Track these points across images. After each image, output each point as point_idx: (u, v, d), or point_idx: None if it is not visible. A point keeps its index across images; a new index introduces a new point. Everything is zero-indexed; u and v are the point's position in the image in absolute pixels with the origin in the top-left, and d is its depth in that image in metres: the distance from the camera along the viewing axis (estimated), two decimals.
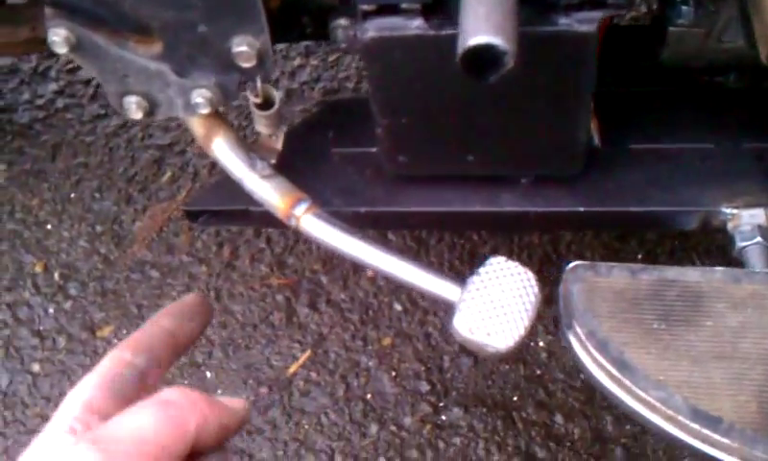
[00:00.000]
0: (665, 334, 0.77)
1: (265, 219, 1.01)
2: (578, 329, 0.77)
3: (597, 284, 0.80)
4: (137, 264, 1.27)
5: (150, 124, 1.39)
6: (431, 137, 0.90)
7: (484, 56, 0.61)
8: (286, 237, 1.29)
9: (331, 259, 1.28)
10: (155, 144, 1.37)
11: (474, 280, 0.75)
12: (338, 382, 1.20)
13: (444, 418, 1.18)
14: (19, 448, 1.02)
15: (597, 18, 0.76)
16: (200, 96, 0.84)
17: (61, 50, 0.81)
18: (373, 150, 1.02)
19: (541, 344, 1.24)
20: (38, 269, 1.27)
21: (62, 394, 1.16)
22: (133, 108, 0.87)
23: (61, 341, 1.22)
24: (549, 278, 1.28)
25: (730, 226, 0.92)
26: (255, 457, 1.15)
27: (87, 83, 1.43)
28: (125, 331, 1.22)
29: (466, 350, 1.22)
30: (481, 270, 0.76)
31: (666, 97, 1.02)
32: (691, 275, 0.80)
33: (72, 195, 1.33)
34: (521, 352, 1.23)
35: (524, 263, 0.76)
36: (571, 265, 0.81)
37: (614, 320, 0.78)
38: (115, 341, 1.22)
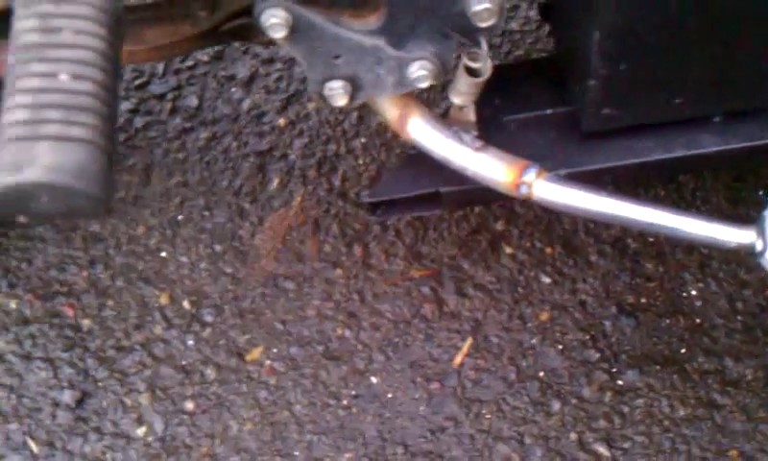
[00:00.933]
0: None
1: (457, 199, 0.96)
2: None
3: None
4: (269, 278, 1.19)
5: (241, 131, 1.30)
6: (646, 83, 0.86)
7: None
8: (414, 227, 1.23)
9: (466, 242, 1.23)
10: (253, 151, 1.29)
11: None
12: (507, 365, 1.15)
13: (621, 382, 1.15)
14: None
15: None
16: (421, 68, 0.78)
17: (280, 34, 0.74)
18: (549, 111, 0.98)
19: (694, 292, 1.22)
20: (164, 301, 1.17)
21: (226, 428, 1.09)
22: (337, 93, 0.81)
23: (210, 372, 1.12)
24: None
25: None
26: (445, 457, 1.08)
27: (161, 97, 1.33)
28: (275, 350, 1.14)
29: (624, 311, 1.19)
30: None
31: None
32: None
33: (179, 217, 1.23)
34: (677, 305, 1.20)
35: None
36: None
37: None
38: (268, 362, 1.13)
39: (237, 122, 1.30)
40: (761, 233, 0.72)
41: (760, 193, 1.27)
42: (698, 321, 1.20)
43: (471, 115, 0.89)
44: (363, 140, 1.28)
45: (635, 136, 0.93)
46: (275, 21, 0.73)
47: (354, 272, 1.20)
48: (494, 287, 1.20)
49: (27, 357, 1.14)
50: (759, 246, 0.72)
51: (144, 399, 1.12)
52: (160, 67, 1.34)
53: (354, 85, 0.81)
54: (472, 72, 0.82)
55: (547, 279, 1.21)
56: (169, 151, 1.28)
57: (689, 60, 0.84)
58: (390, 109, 0.87)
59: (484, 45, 0.78)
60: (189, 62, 1.33)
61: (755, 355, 1.18)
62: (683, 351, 1.18)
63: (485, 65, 0.81)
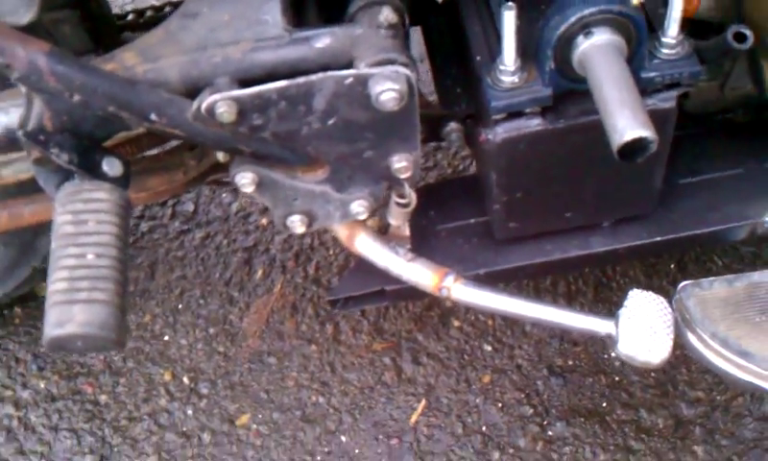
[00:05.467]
0: (767, 323, 0.98)
1: (399, 295, 1.20)
2: (701, 334, 0.97)
3: (705, 297, 1.00)
4: (255, 355, 1.42)
5: (231, 230, 1.54)
6: (539, 204, 1.09)
7: (635, 144, 0.81)
8: (377, 307, 1.46)
9: (420, 318, 1.46)
10: (241, 247, 1.53)
11: (623, 312, 0.95)
12: (455, 422, 1.37)
13: (551, 433, 1.37)
14: None
15: (674, 96, 0.98)
16: (360, 205, 1.02)
17: (249, 189, 0.98)
18: (472, 221, 1.22)
19: (613, 354, 1.44)
20: (168, 377, 1.41)
21: None
22: (297, 224, 1.05)
23: (206, 437, 1.35)
24: (605, 298, 1.49)
25: None
26: None
27: (163, 204, 1.58)
28: (260, 416, 1.37)
29: (554, 372, 1.42)
30: (627, 303, 0.96)
31: (694, 138, 1.24)
32: None
33: (179, 306, 1.47)
34: (599, 365, 1.43)
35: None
36: (681, 285, 1.01)
37: (727, 321, 0.98)
38: (254, 426, 1.36)
39: (227, 223, 1.55)
40: (617, 327, 0.96)
41: (672, 266, 1.50)
42: (617, 378, 1.42)
43: (406, 231, 1.13)
44: (332, 235, 1.52)
45: (538, 241, 1.16)
46: (245, 181, 0.96)
47: (326, 347, 1.43)
48: (444, 356, 1.43)
49: (54, 428, 1.37)
50: (615, 337, 0.95)
51: (152, 460, 1.35)
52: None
53: (310, 218, 1.04)
54: (401, 205, 1.06)
55: (489, 348, 1.44)
56: (170, 250, 1.53)
57: (569, 189, 1.07)
58: (341, 231, 1.11)
59: (407, 187, 1.02)
60: None
61: (665, 406, 1.40)
62: (604, 404, 1.40)
63: (410, 199, 1.05)
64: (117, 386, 1.40)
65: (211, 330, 1.45)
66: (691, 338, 0.99)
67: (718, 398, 1.40)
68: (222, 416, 1.37)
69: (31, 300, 1.46)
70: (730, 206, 1.15)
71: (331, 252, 1.52)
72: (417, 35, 1.19)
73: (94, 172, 0.81)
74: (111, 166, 0.82)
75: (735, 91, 1.15)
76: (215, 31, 0.89)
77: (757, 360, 0.96)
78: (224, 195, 1.57)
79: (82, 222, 0.77)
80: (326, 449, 1.35)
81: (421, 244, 1.17)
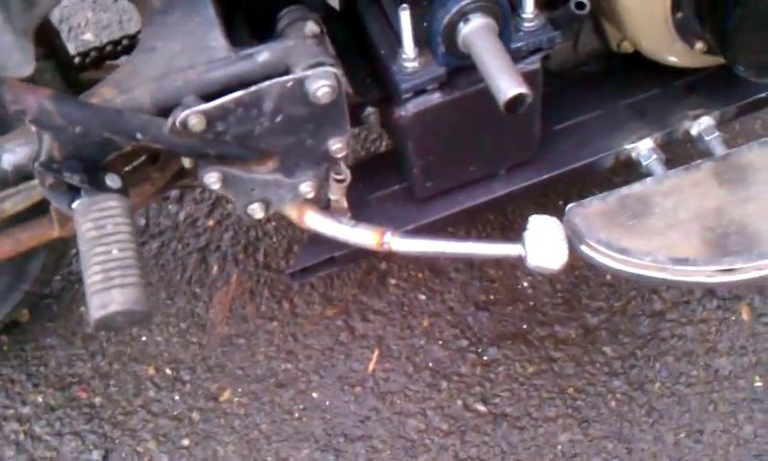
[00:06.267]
0: (637, 225, 1.25)
1: (347, 259, 1.42)
2: (590, 242, 1.24)
3: (587, 213, 1.27)
4: (225, 339, 1.62)
5: (183, 236, 1.73)
6: (449, 163, 1.34)
7: (516, 99, 1.06)
8: (323, 280, 1.69)
9: (362, 282, 1.69)
10: (194, 249, 1.72)
11: (527, 234, 1.21)
12: (406, 363, 1.61)
13: (486, 358, 1.62)
14: None
15: (538, 59, 1.24)
16: (307, 186, 1.24)
17: (215, 187, 1.18)
18: (396, 187, 1.45)
19: (525, 284, 1.71)
20: (152, 371, 1.59)
21: (215, 453, 1.50)
22: (256, 211, 1.26)
23: (195, 415, 1.55)
24: (511, 238, 1.76)
25: (633, 155, 1.43)
26: (374, 437, 1.54)
27: None
28: (240, 390, 1.57)
29: (480, 307, 1.68)
30: (528, 226, 1.22)
31: (560, 91, 1.51)
32: (636, 187, 1.29)
33: None
34: (515, 295, 1.70)
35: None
36: (568, 207, 1.28)
37: (606, 229, 1.25)
38: (236, 399, 1.56)
39: (178, 230, 1.74)
40: (524, 247, 1.21)
41: (560, 203, 1.78)
42: (531, 303, 1.69)
43: (344, 204, 1.36)
44: (274, 224, 1.74)
45: (453, 194, 1.41)
46: (212, 179, 1.16)
47: (286, 321, 1.65)
48: (387, 310, 1.67)
49: (59, 434, 1.53)
50: (524, 255, 1.21)
51: (151, 445, 1.53)
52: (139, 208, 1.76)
53: (266, 204, 1.25)
54: (339, 181, 1.28)
55: (423, 297, 1.69)
56: None
57: (470, 146, 1.32)
58: (291, 212, 1.33)
59: (342, 166, 1.25)
60: None
61: (574, 319, 1.67)
62: (524, 326, 1.66)
63: (346, 175, 1.28)
64: (108, 387, 1.58)
65: (183, 325, 1.64)
66: (583, 248, 1.26)
67: (616, 304, 1.69)
68: (206, 396, 1.57)
69: (14, 327, 1.62)
70: (596, 141, 1.43)
71: (275, 239, 1.73)
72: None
73: (101, 187, 1.00)
74: (113, 180, 1.02)
75: (586, 47, 1.43)
76: (173, 60, 1.10)
77: (634, 254, 1.23)
78: (170, 206, 1.76)
79: (102, 226, 0.97)
80: (302, 406, 1.57)
81: (357, 214, 1.39)
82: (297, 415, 1.56)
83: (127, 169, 1.27)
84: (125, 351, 1.61)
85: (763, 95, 1.46)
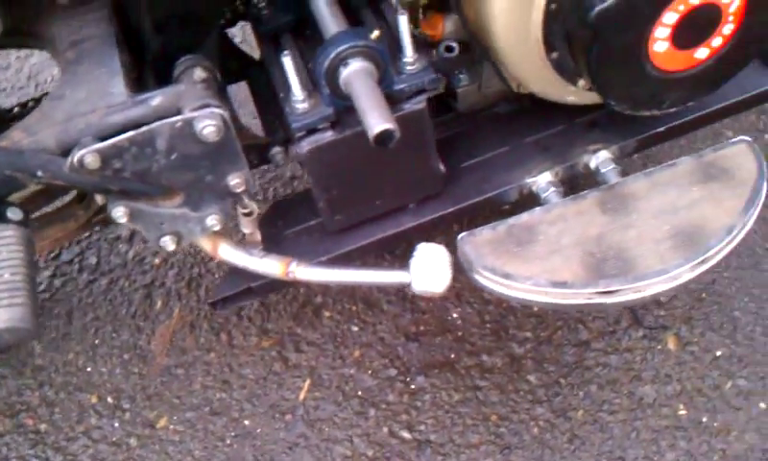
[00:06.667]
0: (522, 252, 1.33)
1: (263, 290, 1.51)
2: (478, 269, 1.32)
3: (477, 241, 1.35)
4: (164, 369, 1.72)
5: (130, 273, 1.84)
6: (353, 197, 1.43)
7: (384, 134, 1.16)
8: (260, 312, 1.78)
9: (298, 314, 1.78)
10: (141, 285, 1.83)
11: (413, 263, 1.29)
12: (336, 392, 1.69)
13: (413, 386, 1.69)
14: None
15: (423, 99, 1.33)
16: (213, 219, 1.34)
17: (123, 219, 1.29)
18: (312, 222, 1.55)
19: (455, 315, 1.78)
20: (94, 400, 1.69)
21: None
22: (168, 243, 1.36)
23: (133, 441, 1.64)
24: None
25: (534, 188, 1.51)
26: None
27: (71, 262, 1.87)
28: (175, 417, 1.66)
29: (409, 338, 1.75)
30: (415, 254, 1.30)
31: (469, 131, 1.60)
32: (523, 217, 1.37)
33: (96, 341, 1.76)
34: (444, 326, 1.76)
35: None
36: (460, 236, 1.36)
37: (493, 256, 1.33)
38: (171, 426, 1.65)
39: (126, 267, 1.85)
40: (410, 273, 1.30)
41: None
42: (460, 334, 1.76)
43: (258, 237, 1.46)
44: (216, 262, 1.84)
45: (363, 227, 1.50)
46: (119, 213, 1.27)
47: (223, 352, 1.74)
48: (321, 341, 1.75)
49: (5, 458, 1.63)
50: (410, 281, 1.29)
51: None
52: (67, 242, 1.89)
53: (178, 236, 1.35)
54: (246, 214, 1.38)
55: (356, 328, 1.77)
56: (82, 298, 1.82)
57: (370, 181, 1.42)
58: (205, 244, 1.43)
59: (246, 199, 1.35)
60: (86, 234, 1.88)
61: (501, 348, 1.73)
62: (452, 355, 1.73)
63: (252, 208, 1.38)
64: (53, 414, 1.67)
65: (125, 356, 1.74)
66: (474, 275, 1.34)
67: (542, 334, 1.75)
68: (144, 423, 1.66)
69: None
70: (500, 175, 1.51)
71: (216, 275, 1.83)
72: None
73: (2, 218, 1.11)
74: (14, 213, 1.13)
75: (490, 89, 1.52)
76: (77, 105, 1.21)
77: (517, 278, 1.30)
78: (120, 245, 1.88)
79: None
80: (233, 433, 1.65)
81: (275, 248, 1.49)
82: (228, 442, 1.64)
83: (55, 207, 1.40)
84: (71, 380, 1.71)
85: (662, 129, 1.54)
